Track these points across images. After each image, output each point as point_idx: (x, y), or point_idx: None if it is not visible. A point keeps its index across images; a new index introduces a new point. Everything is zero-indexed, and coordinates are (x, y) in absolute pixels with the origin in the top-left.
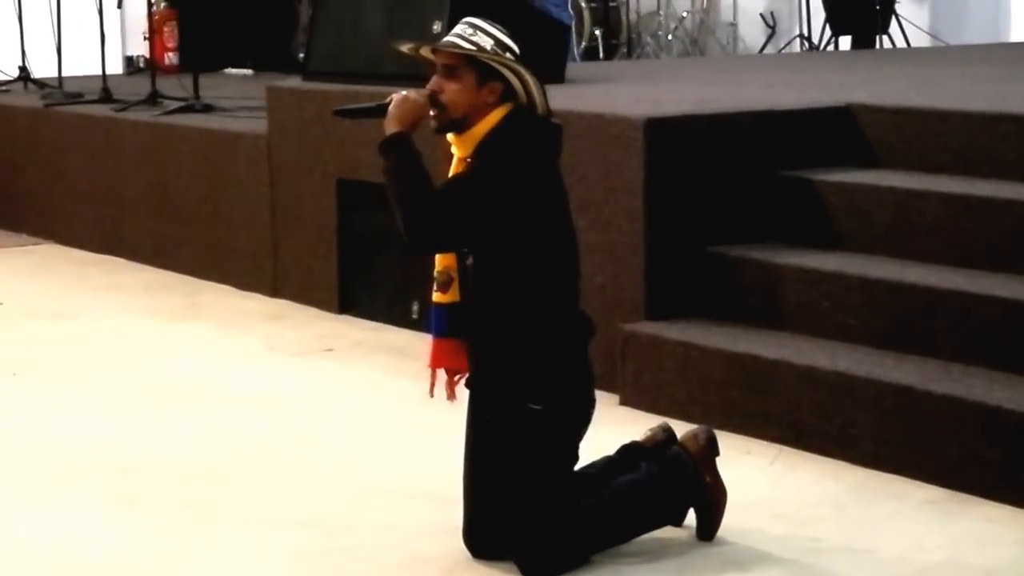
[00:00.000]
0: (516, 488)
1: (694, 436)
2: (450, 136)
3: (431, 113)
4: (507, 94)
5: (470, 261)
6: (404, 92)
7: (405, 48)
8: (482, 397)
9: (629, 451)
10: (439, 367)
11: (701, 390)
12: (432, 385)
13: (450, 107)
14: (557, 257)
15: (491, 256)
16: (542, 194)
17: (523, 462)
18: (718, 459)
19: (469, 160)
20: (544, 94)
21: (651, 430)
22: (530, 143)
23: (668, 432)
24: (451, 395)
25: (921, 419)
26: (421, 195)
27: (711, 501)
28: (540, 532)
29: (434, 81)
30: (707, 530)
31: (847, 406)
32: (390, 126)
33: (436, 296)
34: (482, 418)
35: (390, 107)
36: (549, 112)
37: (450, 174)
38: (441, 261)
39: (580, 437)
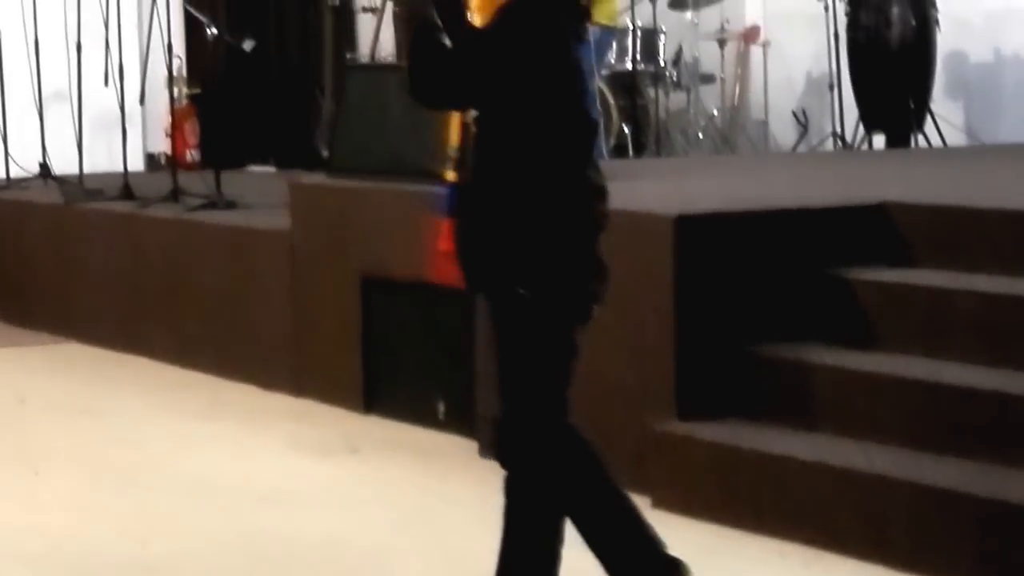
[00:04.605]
0: (509, 381)
1: None
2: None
3: None
4: None
5: (474, 130)
6: None
7: None
8: (475, 278)
9: None
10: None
11: (734, 492)
12: (448, 268)
13: None
14: (564, 131)
15: (495, 120)
16: (555, 62)
17: (513, 353)
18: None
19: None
20: None
21: None
22: (550, 10)
23: None
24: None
25: (960, 521)
26: (437, 51)
27: None
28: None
29: None
30: None
31: (884, 508)
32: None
33: (451, 175)
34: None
35: None
36: None
37: None
38: (458, 137)
39: (576, 332)
